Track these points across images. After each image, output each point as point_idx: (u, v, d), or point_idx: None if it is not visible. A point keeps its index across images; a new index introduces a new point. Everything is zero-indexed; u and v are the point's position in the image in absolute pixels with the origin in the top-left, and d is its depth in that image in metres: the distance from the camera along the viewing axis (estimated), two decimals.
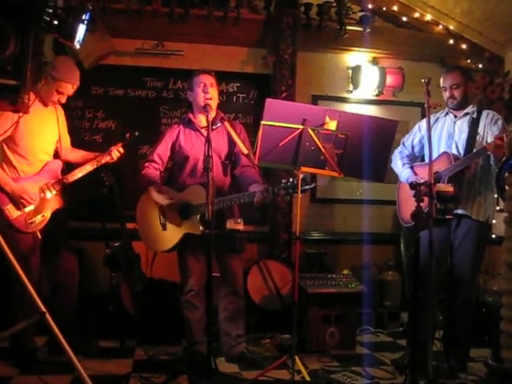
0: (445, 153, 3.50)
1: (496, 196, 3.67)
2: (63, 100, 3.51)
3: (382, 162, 3.11)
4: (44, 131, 3.49)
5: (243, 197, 3.28)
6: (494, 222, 3.64)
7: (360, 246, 4.91)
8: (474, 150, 3.41)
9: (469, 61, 5.16)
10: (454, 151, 3.51)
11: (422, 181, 3.32)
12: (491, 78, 4.97)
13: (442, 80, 3.61)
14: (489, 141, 3.37)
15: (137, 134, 3.75)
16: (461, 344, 3.53)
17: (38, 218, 3.40)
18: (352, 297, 4.12)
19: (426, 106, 3.18)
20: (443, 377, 3.29)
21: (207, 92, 3.43)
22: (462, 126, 3.55)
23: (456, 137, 3.55)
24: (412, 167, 3.70)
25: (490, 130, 3.46)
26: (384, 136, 3.06)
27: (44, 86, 3.41)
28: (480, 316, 4.31)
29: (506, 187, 3.29)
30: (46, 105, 3.49)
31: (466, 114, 3.56)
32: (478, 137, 3.48)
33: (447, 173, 3.37)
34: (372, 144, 2.99)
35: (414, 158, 3.80)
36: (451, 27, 5.07)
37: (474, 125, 3.51)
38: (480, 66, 5.13)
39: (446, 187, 3.13)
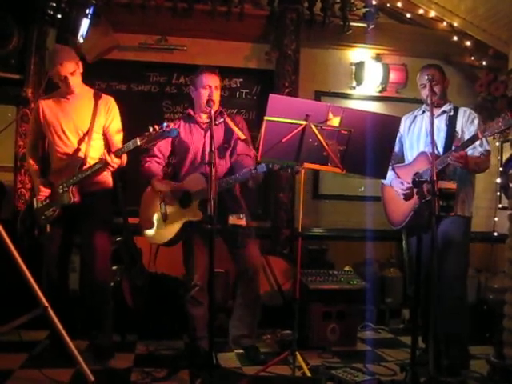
0: (422, 153, 3.48)
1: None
2: (65, 79, 3.31)
3: (385, 159, 3.10)
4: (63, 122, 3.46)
5: (228, 181, 3.35)
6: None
7: (362, 242, 4.91)
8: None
9: (473, 58, 5.14)
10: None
11: (406, 184, 3.32)
12: (495, 75, 4.96)
13: (419, 77, 3.58)
14: (466, 139, 3.32)
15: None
16: (459, 342, 3.47)
17: (49, 212, 3.42)
18: (353, 293, 4.12)
19: (429, 102, 3.18)
20: (444, 374, 3.28)
21: (211, 96, 3.44)
22: (440, 125, 3.52)
23: (435, 135, 3.51)
24: (393, 169, 3.67)
25: (467, 129, 3.45)
26: (387, 133, 3.05)
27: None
28: (481, 313, 4.31)
29: (511, 185, 3.28)
30: (66, 94, 3.42)
31: (443, 112, 3.55)
32: (456, 135, 3.46)
33: (428, 173, 3.32)
34: (375, 141, 2.98)
35: (395, 157, 3.70)
36: (455, 24, 5.04)
37: (451, 123, 3.49)
38: (484, 63, 5.12)
39: (449, 184, 3.12)
